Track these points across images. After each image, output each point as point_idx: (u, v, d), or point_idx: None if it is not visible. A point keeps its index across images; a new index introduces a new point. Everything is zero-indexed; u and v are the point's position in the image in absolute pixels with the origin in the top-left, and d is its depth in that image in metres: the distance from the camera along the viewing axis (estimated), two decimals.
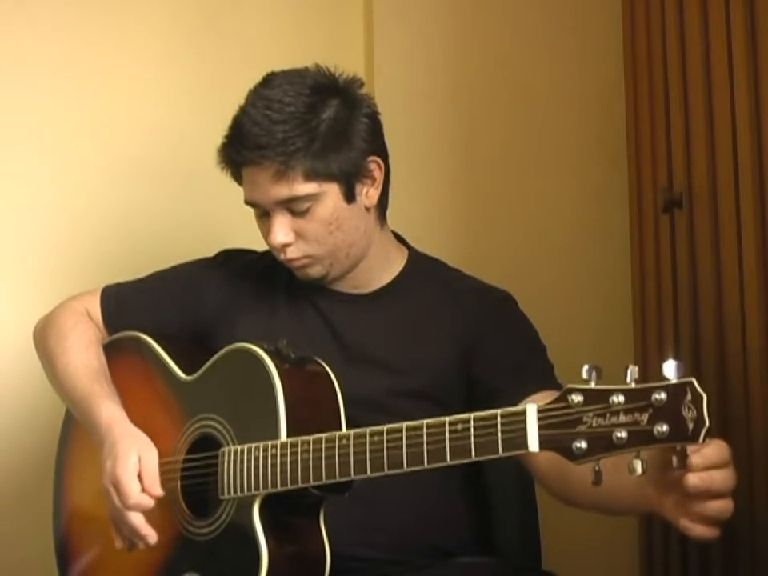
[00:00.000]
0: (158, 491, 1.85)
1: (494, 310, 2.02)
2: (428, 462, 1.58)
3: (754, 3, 2.17)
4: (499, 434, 1.50)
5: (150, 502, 1.84)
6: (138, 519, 1.84)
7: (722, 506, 1.46)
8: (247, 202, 1.98)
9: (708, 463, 1.43)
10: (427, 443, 1.58)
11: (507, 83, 2.92)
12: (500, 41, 2.93)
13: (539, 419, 1.47)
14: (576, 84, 2.91)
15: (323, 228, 1.94)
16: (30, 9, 2.69)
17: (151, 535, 1.85)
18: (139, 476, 1.85)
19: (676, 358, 1.40)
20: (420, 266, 2.09)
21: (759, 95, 2.15)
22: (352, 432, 1.68)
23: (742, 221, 2.21)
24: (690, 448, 1.41)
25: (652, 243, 2.60)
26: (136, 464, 1.86)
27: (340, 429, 1.78)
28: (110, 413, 1.95)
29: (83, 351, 2.08)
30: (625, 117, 2.75)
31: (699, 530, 1.47)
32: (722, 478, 1.44)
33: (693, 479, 1.43)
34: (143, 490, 1.85)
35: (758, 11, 2.16)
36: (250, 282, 2.11)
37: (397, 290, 2.06)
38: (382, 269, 2.06)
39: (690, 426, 1.35)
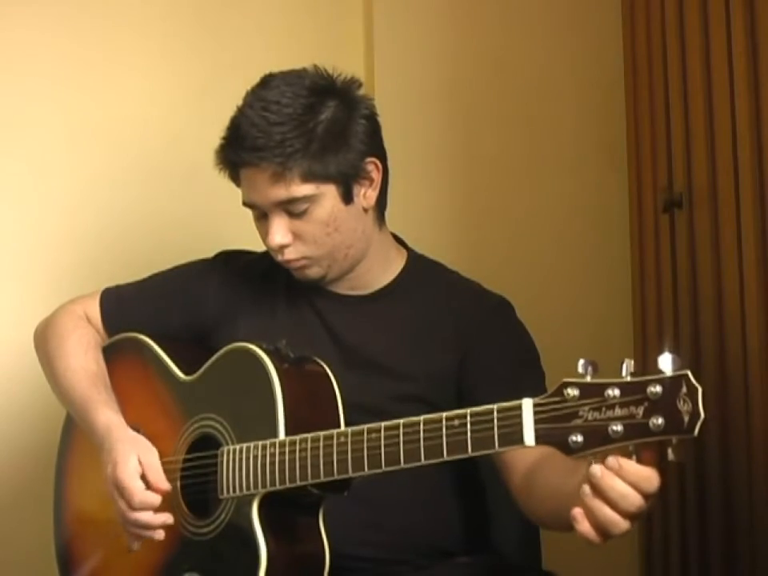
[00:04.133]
0: (166, 485, 1.85)
1: (489, 317, 2.00)
2: (425, 458, 1.58)
3: (754, 3, 2.18)
4: (495, 429, 1.50)
5: (156, 499, 1.84)
6: (146, 516, 1.83)
7: (611, 519, 1.45)
8: (245, 204, 1.98)
9: (619, 472, 1.43)
10: (424, 439, 1.57)
11: (507, 84, 2.93)
12: (499, 41, 2.93)
13: (535, 413, 1.47)
14: (576, 84, 2.91)
15: (321, 229, 1.94)
16: (29, 11, 2.70)
17: (167, 518, 1.84)
18: (143, 476, 1.85)
19: (674, 352, 1.40)
20: (419, 268, 2.09)
21: (759, 95, 2.16)
22: (350, 430, 1.68)
23: (741, 221, 2.22)
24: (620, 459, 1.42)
25: (652, 243, 2.60)
26: (137, 465, 1.86)
27: (339, 428, 1.77)
28: (107, 418, 1.95)
29: (81, 356, 2.08)
30: (625, 117, 2.76)
31: (584, 527, 1.47)
32: (623, 493, 1.43)
33: (595, 467, 1.43)
34: (149, 487, 1.84)
35: (758, 11, 2.16)
36: (250, 283, 2.11)
37: (396, 292, 2.05)
38: (381, 270, 2.06)
39: (686, 418, 1.35)
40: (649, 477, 1.44)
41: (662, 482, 1.45)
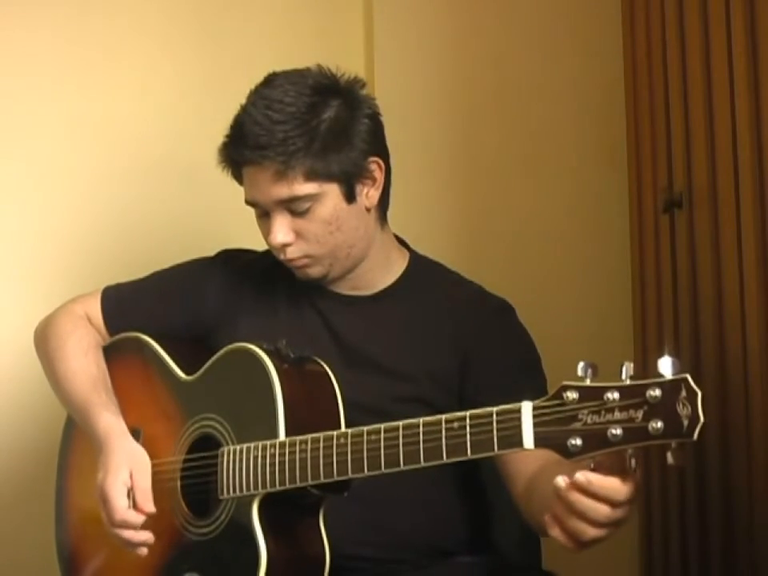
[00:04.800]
0: (150, 508, 1.85)
1: (490, 319, 2.00)
2: (424, 461, 1.58)
3: (754, 3, 2.17)
4: (494, 432, 1.51)
5: (137, 519, 1.84)
6: (126, 534, 1.84)
7: (580, 528, 1.46)
8: (248, 202, 1.98)
9: (588, 487, 1.43)
10: (424, 441, 1.58)
11: (507, 84, 2.93)
12: (500, 42, 2.93)
13: (534, 416, 1.47)
14: (576, 84, 2.91)
15: (323, 228, 1.94)
16: (29, 11, 2.70)
17: (147, 538, 1.85)
18: (131, 493, 1.86)
19: (674, 356, 1.40)
20: (421, 269, 2.09)
21: (759, 95, 2.16)
22: (350, 431, 1.68)
23: (741, 221, 2.21)
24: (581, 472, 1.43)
25: (652, 243, 2.60)
26: (126, 480, 1.86)
27: (339, 428, 1.78)
28: (107, 423, 1.95)
29: (82, 357, 2.08)
30: (625, 117, 2.75)
31: (555, 532, 1.49)
32: (590, 506, 1.44)
33: (558, 479, 1.45)
34: (134, 506, 1.85)
35: (758, 11, 2.16)
36: (251, 282, 2.11)
37: (398, 293, 2.05)
38: (383, 270, 2.06)
39: (685, 422, 1.35)
40: (616, 488, 1.44)
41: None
